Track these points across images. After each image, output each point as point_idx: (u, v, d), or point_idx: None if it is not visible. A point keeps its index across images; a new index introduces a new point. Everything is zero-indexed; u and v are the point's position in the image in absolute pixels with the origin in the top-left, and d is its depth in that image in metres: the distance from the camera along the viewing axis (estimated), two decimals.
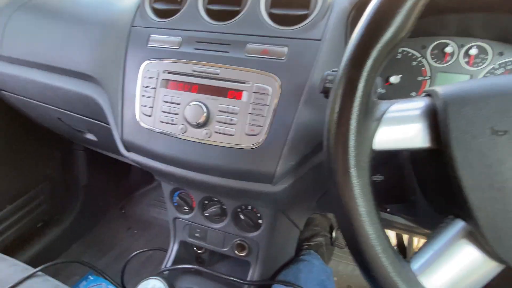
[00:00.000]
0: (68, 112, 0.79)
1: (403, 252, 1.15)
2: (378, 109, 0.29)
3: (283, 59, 0.49)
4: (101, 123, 0.73)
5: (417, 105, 0.30)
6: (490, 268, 0.27)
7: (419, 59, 0.61)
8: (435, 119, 0.28)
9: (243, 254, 0.70)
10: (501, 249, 0.26)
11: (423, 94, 0.31)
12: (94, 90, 0.66)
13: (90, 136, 0.91)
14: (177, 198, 0.69)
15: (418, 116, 0.29)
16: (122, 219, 1.43)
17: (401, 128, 0.29)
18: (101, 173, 1.33)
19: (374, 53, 0.26)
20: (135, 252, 0.83)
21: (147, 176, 0.66)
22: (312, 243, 0.90)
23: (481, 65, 0.58)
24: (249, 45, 0.51)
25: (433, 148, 0.28)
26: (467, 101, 0.27)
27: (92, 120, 0.76)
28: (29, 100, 0.83)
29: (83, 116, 0.77)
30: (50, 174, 1.18)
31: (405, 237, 1.16)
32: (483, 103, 0.26)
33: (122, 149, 0.61)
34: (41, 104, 0.82)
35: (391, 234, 1.17)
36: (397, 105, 0.30)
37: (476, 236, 0.27)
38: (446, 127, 0.27)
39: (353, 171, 0.27)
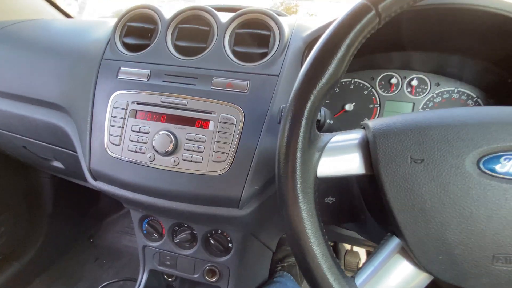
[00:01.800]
0: (34, 141, 0.78)
1: None
2: (321, 141, 0.34)
3: (246, 92, 0.53)
4: (68, 151, 0.73)
5: (354, 136, 0.34)
6: (421, 279, 0.31)
7: (369, 89, 0.68)
8: (368, 149, 0.32)
9: (214, 279, 0.70)
10: (426, 262, 0.30)
11: (360, 126, 0.36)
12: (62, 119, 0.67)
13: (56, 164, 0.89)
14: (146, 225, 0.69)
15: (354, 146, 0.33)
16: (90, 249, 1.36)
17: (340, 158, 0.33)
18: (67, 201, 1.28)
19: (312, 96, 0.30)
20: (103, 284, 0.80)
21: (117, 202, 0.65)
22: (285, 264, 0.92)
23: (422, 94, 0.66)
24: (215, 79, 0.55)
25: (368, 174, 0.33)
26: (391, 134, 0.31)
27: (59, 148, 0.75)
28: None
29: (50, 144, 0.76)
30: (12, 203, 1.12)
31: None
32: (404, 135, 0.31)
33: (89, 179, 0.61)
34: (5, 132, 0.80)
35: (362, 251, 1.21)
36: (337, 137, 0.34)
37: (407, 251, 0.31)
38: (376, 156, 0.31)
39: (300, 197, 0.31)
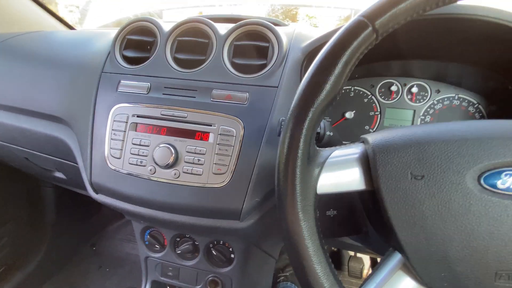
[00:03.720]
0: (36, 153, 0.78)
1: None
2: (320, 156, 0.33)
3: (245, 104, 0.53)
4: (70, 162, 0.73)
5: (353, 151, 0.34)
6: None
7: (369, 96, 0.68)
8: (368, 165, 0.32)
9: None
10: (428, 279, 0.30)
11: (359, 140, 0.36)
12: (63, 132, 0.67)
13: (58, 175, 0.89)
14: (148, 236, 0.69)
15: (354, 161, 0.33)
16: (93, 257, 1.37)
17: (340, 173, 0.33)
18: (70, 210, 1.28)
19: (310, 113, 0.30)
20: None
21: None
22: (287, 274, 0.91)
23: (422, 101, 0.66)
24: (214, 91, 0.55)
25: (369, 190, 0.32)
26: (391, 150, 0.31)
27: (60, 160, 0.76)
28: None
29: (52, 156, 0.76)
30: (15, 213, 1.12)
31: (379, 260, 1.20)
32: (404, 151, 0.31)
33: (90, 192, 0.61)
34: (7, 144, 0.80)
35: (366, 257, 1.20)
36: (337, 151, 0.34)
37: (409, 268, 0.31)
38: (376, 172, 0.31)
39: (300, 214, 0.31)
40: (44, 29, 1.01)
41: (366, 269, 1.18)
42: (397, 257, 0.32)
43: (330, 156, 0.34)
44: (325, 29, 0.57)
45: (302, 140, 0.31)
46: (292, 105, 0.32)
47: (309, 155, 0.32)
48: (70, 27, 1.18)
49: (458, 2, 0.30)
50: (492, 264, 0.28)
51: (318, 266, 0.30)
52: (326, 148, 0.35)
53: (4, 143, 0.81)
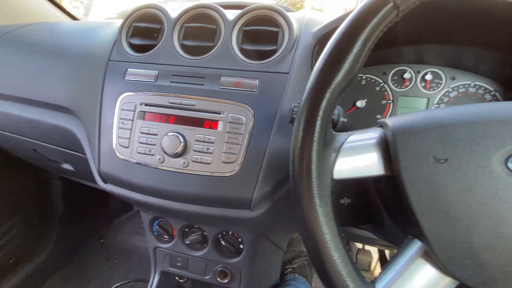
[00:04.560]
0: (44, 144, 0.78)
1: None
2: (337, 141, 0.32)
3: (255, 91, 0.52)
4: (78, 153, 0.73)
5: (371, 135, 0.33)
6: (446, 284, 0.30)
7: (381, 84, 0.66)
8: (387, 149, 0.31)
9: (226, 281, 0.70)
10: (452, 266, 0.28)
11: (377, 125, 0.35)
12: (71, 122, 0.66)
13: (66, 166, 0.89)
14: (157, 227, 0.69)
15: (372, 145, 0.32)
16: (101, 249, 1.38)
17: (358, 158, 0.32)
18: (78, 202, 1.29)
19: (327, 94, 0.29)
20: (115, 285, 0.80)
21: (126, 202, 0.65)
22: (295, 266, 0.91)
23: (436, 89, 0.64)
24: (223, 78, 0.54)
25: (388, 175, 0.31)
26: (412, 133, 0.30)
27: (68, 151, 0.76)
28: (2, 132, 0.82)
29: (60, 147, 0.76)
30: (24, 206, 1.13)
31: (387, 252, 1.19)
32: (426, 134, 0.29)
33: (99, 181, 0.61)
34: (15, 136, 0.81)
35: (374, 250, 1.19)
36: (354, 136, 0.33)
37: (430, 255, 0.30)
38: (396, 156, 0.30)
39: (317, 200, 0.30)
40: (49, 20, 1.00)
41: (374, 262, 1.17)
42: (416, 245, 0.31)
43: (346, 141, 0.33)
44: (336, 14, 0.55)
45: (318, 122, 0.30)
46: (308, 86, 0.30)
47: (326, 139, 0.31)
48: (75, 19, 1.18)
49: None
50: None
51: (336, 253, 0.29)
52: (342, 133, 0.34)
53: (12, 135, 0.81)
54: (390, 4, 0.28)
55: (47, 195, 1.20)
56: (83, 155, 0.68)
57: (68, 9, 1.15)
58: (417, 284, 0.30)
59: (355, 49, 0.29)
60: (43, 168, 1.09)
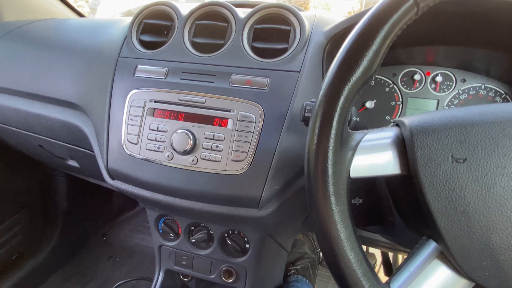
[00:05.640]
0: (50, 139, 0.78)
1: (389, 269, 1.16)
2: (353, 139, 0.32)
3: (265, 89, 0.52)
4: (84, 149, 0.73)
5: (388, 134, 0.33)
6: (462, 286, 0.29)
7: (391, 85, 0.66)
8: (404, 148, 0.31)
9: (231, 280, 0.69)
10: (469, 268, 0.28)
11: (392, 124, 0.34)
12: (79, 118, 0.66)
13: (72, 163, 0.89)
14: (163, 225, 0.69)
15: (388, 145, 0.32)
16: (103, 247, 1.37)
17: (374, 157, 0.31)
18: (82, 199, 1.29)
19: (345, 91, 0.29)
20: (118, 283, 0.80)
21: (130, 201, 0.65)
22: (298, 267, 0.90)
23: (446, 91, 0.64)
24: (234, 76, 0.54)
25: (404, 174, 0.31)
26: (430, 132, 0.29)
27: (75, 147, 0.76)
28: (8, 127, 0.82)
29: (66, 143, 0.76)
30: (27, 202, 1.13)
31: (390, 254, 1.18)
32: (444, 133, 0.29)
33: (107, 178, 0.61)
34: (22, 131, 0.81)
35: (377, 252, 1.19)
36: (370, 135, 0.33)
37: (447, 256, 0.29)
38: (414, 155, 0.29)
39: (332, 198, 0.29)
40: (57, 17, 1.01)
41: (378, 265, 1.16)
42: (431, 246, 0.30)
43: (363, 140, 0.32)
44: (346, 14, 0.55)
45: (335, 120, 0.29)
46: (325, 82, 0.30)
47: (342, 137, 0.30)
48: (83, 17, 1.18)
49: None
50: None
51: (351, 252, 0.29)
52: (358, 131, 0.33)
53: (19, 130, 0.81)
54: (411, 1, 0.28)
55: (51, 192, 1.20)
56: (90, 152, 0.68)
57: None
58: (432, 285, 0.29)
59: (374, 46, 0.28)
60: (48, 165, 1.09)
